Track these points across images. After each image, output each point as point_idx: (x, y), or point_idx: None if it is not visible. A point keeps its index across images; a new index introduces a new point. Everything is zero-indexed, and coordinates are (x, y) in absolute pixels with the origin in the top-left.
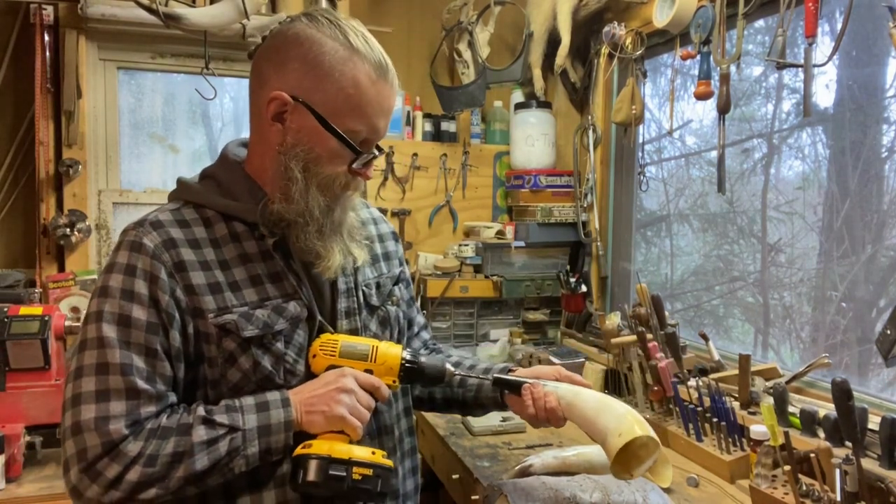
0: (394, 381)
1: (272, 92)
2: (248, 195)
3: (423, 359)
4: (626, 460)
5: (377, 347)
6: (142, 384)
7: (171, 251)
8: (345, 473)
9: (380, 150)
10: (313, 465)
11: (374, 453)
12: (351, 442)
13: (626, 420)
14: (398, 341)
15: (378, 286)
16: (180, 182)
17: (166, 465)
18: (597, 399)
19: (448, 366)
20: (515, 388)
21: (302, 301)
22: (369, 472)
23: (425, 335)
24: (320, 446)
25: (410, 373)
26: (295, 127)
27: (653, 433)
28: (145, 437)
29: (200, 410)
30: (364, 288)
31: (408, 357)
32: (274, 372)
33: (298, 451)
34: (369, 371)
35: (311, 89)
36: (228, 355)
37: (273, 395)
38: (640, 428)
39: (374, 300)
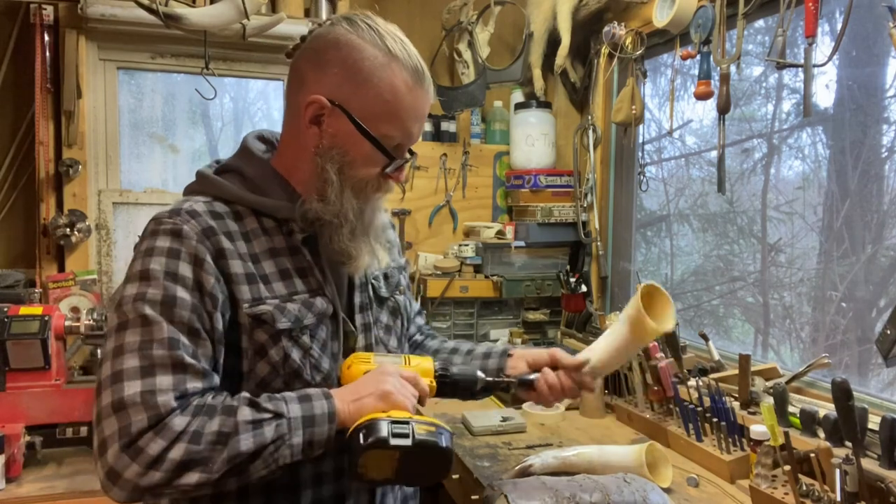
0: (430, 382)
1: (311, 95)
2: (279, 191)
3: (454, 369)
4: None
5: (409, 359)
6: (189, 359)
7: (211, 238)
8: (408, 431)
9: (412, 153)
10: (378, 424)
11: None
12: None
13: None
14: (406, 329)
15: (386, 277)
16: (204, 176)
17: (210, 445)
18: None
19: (479, 373)
20: (530, 385)
21: (327, 297)
22: (432, 428)
23: (420, 320)
24: (377, 414)
25: (442, 387)
26: (332, 131)
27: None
28: (192, 413)
29: (245, 395)
30: (373, 281)
31: (439, 374)
32: (301, 366)
33: (356, 424)
34: None
35: (349, 94)
36: (259, 347)
37: (314, 389)
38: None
39: (384, 291)
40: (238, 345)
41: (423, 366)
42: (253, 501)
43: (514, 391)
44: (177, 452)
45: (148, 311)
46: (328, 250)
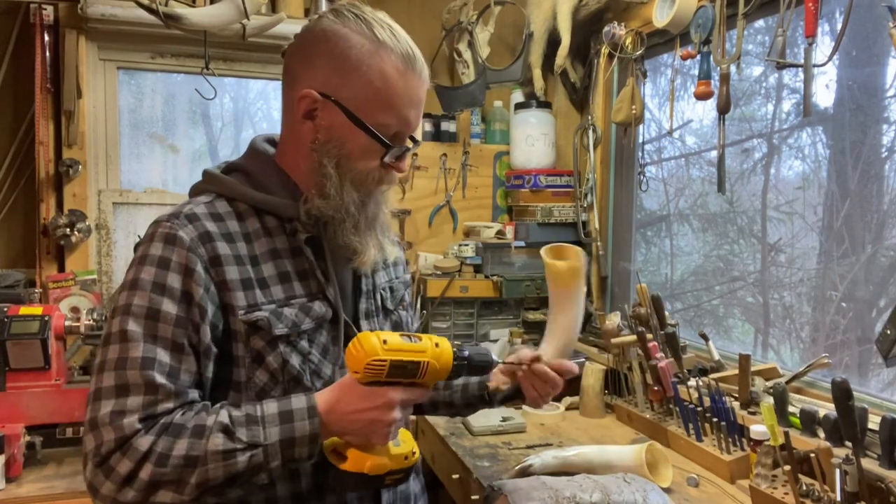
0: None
1: (302, 90)
2: (283, 189)
3: (467, 352)
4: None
5: (427, 365)
6: (160, 379)
7: (207, 245)
8: (379, 482)
9: (414, 141)
10: (350, 480)
11: (406, 458)
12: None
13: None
14: None
15: (391, 290)
16: (210, 174)
17: (178, 468)
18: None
19: (494, 356)
20: (517, 393)
21: (327, 301)
22: (401, 475)
23: None
24: (356, 461)
25: (459, 371)
26: (326, 124)
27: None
28: (157, 433)
29: (223, 416)
30: (381, 291)
31: (457, 358)
32: (301, 372)
33: (334, 461)
34: (413, 384)
35: (339, 85)
36: (256, 354)
37: (299, 402)
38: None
39: (389, 304)
40: (233, 353)
41: (441, 367)
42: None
43: (479, 392)
44: (145, 473)
45: (130, 325)
46: (335, 248)
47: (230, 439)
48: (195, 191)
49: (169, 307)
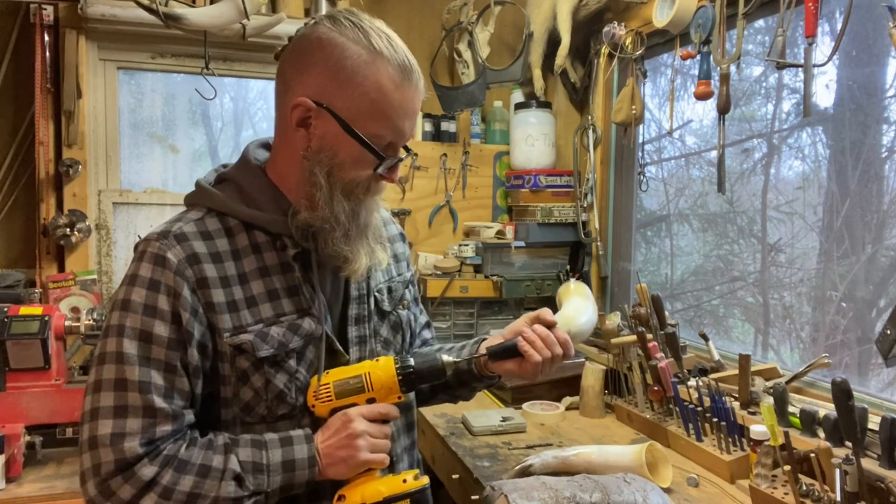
0: (399, 397)
1: (296, 98)
2: (273, 204)
3: (412, 361)
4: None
5: (369, 374)
6: (159, 402)
7: (194, 267)
8: None
9: (408, 150)
10: None
11: (405, 481)
12: (382, 471)
13: None
14: (411, 345)
15: (390, 290)
16: (201, 187)
17: (181, 503)
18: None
19: (444, 356)
20: (511, 350)
21: (315, 317)
22: (406, 501)
23: (426, 334)
24: (352, 497)
25: (410, 380)
26: (319, 133)
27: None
28: (161, 464)
29: (233, 463)
30: (376, 294)
31: (400, 367)
32: (286, 391)
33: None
34: (372, 400)
35: (334, 94)
36: (241, 374)
37: (301, 452)
38: None
39: (386, 305)
40: (221, 372)
41: (384, 375)
42: None
43: (468, 367)
44: (148, 502)
45: (125, 346)
46: (325, 259)
47: (240, 487)
48: (188, 201)
49: (161, 329)
